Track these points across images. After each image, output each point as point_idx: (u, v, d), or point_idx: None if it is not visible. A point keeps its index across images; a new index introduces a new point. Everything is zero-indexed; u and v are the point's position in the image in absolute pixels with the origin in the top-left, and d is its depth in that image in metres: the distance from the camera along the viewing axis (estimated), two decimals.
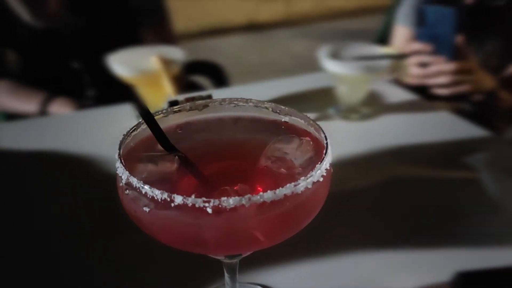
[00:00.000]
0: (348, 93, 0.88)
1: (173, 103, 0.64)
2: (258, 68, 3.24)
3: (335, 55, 0.86)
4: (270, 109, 0.40)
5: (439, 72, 0.92)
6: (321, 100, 0.94)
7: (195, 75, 1.46)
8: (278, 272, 0.49)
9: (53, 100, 1.06)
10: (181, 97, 0.87)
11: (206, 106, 0.41)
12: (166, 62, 0.77)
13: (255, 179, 0.34)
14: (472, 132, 0.82)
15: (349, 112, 0.89)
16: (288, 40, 3.84)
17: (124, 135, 0.34)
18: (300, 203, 0.29)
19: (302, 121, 0.39)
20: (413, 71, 0.96)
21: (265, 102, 0.41)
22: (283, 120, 0.40)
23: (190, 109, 0.40)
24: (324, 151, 0.32)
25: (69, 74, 1.17)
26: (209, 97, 0.97)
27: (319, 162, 0.30)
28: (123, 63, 0.77)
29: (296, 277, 0.48)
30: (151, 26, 1.26)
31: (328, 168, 0.31)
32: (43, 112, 1.05)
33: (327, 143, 0.33)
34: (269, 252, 0.43)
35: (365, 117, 0.88)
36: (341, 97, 0.89)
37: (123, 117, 0.85)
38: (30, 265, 0.51)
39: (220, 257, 0.37)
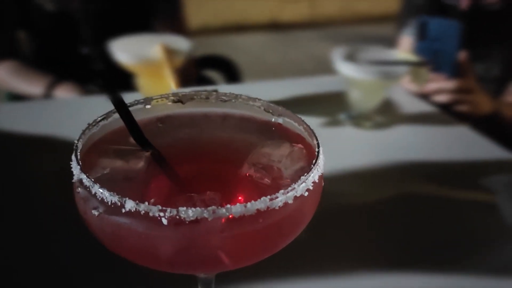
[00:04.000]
0: (362, 99, 0.82)
1: None
2: (277, 68, 3.19)
3: (350, 58, 0.80)
4: (262, 108, 0.36)
5: (438, 89, 0.89)
6: (333, 104, 0.89)
7: (207, 69, 1.43)
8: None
9: (59, 84, 1.04)
10: (186, 91, 0.83)
11: (191, 99, 0.37)
12: (170, 52, 0.73)
13: (235, 187, 0.30)
14: (492, 151, 0.75)
15: (362, 119, 0.83)
16: (311, 42, 3.77)
17: (88, 124, 0.31)
18: (277, 221, 0.24)
19: (296, 124, 0.34)
20: (410, 87, 0.94)
21: (257, 100, 0.36)
22: (275, 121, 0.36)
23: (174, 101, 0.36)
24: (314, 161, 0.27)
25: (79, 59, 1.15)
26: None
27: (305, 174, 0.26)
28: (125, 50, 0.73)
29: None
30: (163, 15, 1.23)
31: (317, 181, 0.27)
32: (47, 96, 1.04)
33: (318, 152, 0.28)
34: (252, 266, 0.39)
35: (378, 126, 0.83)
36: (354, 102, 0.83)
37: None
38: (27, 253, 0.48)
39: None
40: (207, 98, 0.37)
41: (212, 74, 1.45)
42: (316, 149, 0.29)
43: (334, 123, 0.83)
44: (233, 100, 0.36)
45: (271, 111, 0.36)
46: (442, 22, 0.85)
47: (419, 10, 1.15)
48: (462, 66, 0.88)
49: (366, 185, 0.66)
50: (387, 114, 0.86)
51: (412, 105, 0.93)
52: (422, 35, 0.87)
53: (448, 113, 0.89)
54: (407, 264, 0.49)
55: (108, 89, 0.31)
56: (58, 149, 0.70)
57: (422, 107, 0.92)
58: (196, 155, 0.34)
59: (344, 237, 0.53)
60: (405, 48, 1.17)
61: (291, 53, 3.52)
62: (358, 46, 0.84)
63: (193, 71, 1.25)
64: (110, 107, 1.00)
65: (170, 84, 0.74)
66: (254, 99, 0.36)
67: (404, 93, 0.97)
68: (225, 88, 1.02)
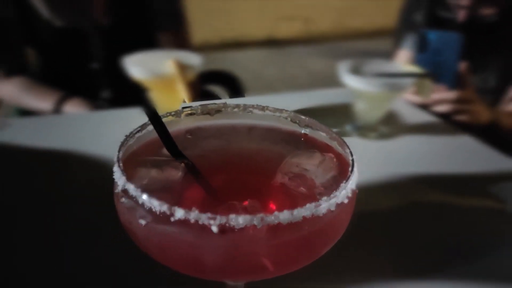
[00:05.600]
0: (367, 111, 0.84)
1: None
2: (275, 83, 3.23)
3: (356, 71, 0.82)
4: (289, 119, 0.37)
5: (440, 100, 0.90)
6: (338, 116, 0.90)
7: (211, 84, 1.45)
8: None
9: (68, 99, 1.05)
10: (195, 104, 0.84)
11: (218, 111, 0.38)
12: (183, 67, 0.74)
13: (268, 196, 0.31)
14: (495, 159, 0.77)
15: (367, 130, 0.84)
16: (306, 57, 3.83)
17: (126, 136, 0.31)
18: (321, 228, 0.25)
19: (324, 134, 0.35)
20: (412, 98, 0.95)
21: (284, 111, 0.37)
22: (302, 131, 0.36)
23: (202, 113, 0.37)
24: (350, 169, 0.28)
25: (87, 74, 1.16)
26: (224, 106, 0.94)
27: (344, 181, 0.26)
28: (139, 65, 0.74)
29: None
30: (168, 31, 1.25)
31: (354, 188, 0.27)
32: (57, 111, 1.04)
33: (353, 160, 0.29)
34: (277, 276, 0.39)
35: (383, 136, 0.84)
36: (359, 114, 0.85)
37: (136, 120, 0.83)
38: (34, 266, 0.48)
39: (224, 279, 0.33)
40: (234, 109, 0.37)
41: (215, 89, 1.46)
42: (351, 157, 0.29)
43: (340, 134, 0.84)
44: (260, 112, 0.37)
45: (297, 121, 0.36)
46: (442, 34, 0.87)
47: (416, 25, 1.18)
48: (462, 77, 0.90)
49: (372, 194, 0.66)
50: (391, 125, 0.87)
51: (414, 116, 0.94)
52: (422, 47, 0.89)
53: (450, 123, 0.91)
54: (415, 271, 0.49)
55: (143, 102, 0.32)
56: (71, 163, 0.70)
57: (424, 117, 0.94)
58: (226, 166, 0.35)
59: (351, 246, 0.53)
60: (402, 61, 1.20)
61: (287, 68, 3.57)
62: (363, 60, 0.85)
63: (197, 86, 1.27)
64: (119, 121, 1.00)
65: (182, 98, 0.75)
66: (281, 110, 0.37)
67: (406, 104, 0.99)
68: (234, 101, 1.03)
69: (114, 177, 0.27)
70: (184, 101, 0.77)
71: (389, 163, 0.74)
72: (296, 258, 0.26)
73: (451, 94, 0.90)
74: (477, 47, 1.06)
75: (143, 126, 0.33)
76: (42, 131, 0.81)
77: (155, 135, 0.32)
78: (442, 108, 0.92)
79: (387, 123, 0.86)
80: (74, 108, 1.03)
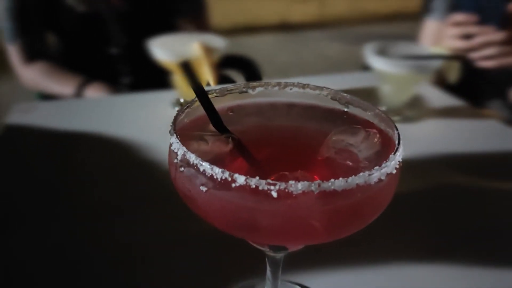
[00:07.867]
0: (393, 93, 0.84)
1: None
2: (289, 68, 3.21)
3: (382, 53, 0.81)
4: (329, 97, 0.38)
5: (485, 43, 0.83)
6: (364, 99, 0.90)
7: (227, 68, 1.45)
8: (319, 274, 0.46)
9: (89, 84, 1.07)
10: (216, 88, 0.85)
11: (259, 88, 0.38)
12: (208, 50, 0.75)
13: (313, 169, 0.32)
14: None
15: (392, 114, 0.84)
16: (321, 41, 3.79)
17: (178, 111, 0.33)
18: (371, 196, 0.26)
19: (365, 111, 0.36)
20: (455, 44, 0.87)
21: (324, 88, 0.38)
22: (342, 108, 0.37)
23: (242, 91, 0.38)
24: (397, 142, 0.29)
25: (107, 59, 1.18)
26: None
27: (393, 153, 0.27)
28: (164, 48, 0.76)
29: (337, 282, 0.45)
30: (189, 15, 1.25)
31: (400, 160, 0.28)
32: (78, 95, 1.06)
33: (398, 134, 0.30)
34: (314, 252, 0.41)
35: (408, 119, 0.84)
36: (385, 97, 0.85)
37: (157, 103, 0.85)
38: (64, 241, 0.50)
39: (265, 249, 0.35)
40: (274, 87, 0.38)
41: (232, 73, 1.46)
42: (396, 131, 0.30)
43: None
44: (300, 90, 0.38)
45: (338, 99, 0.37)
46: None
47: None
48: (509, 17, 0.82)
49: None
50: (416, 109, 0.87)
51: (439, 99, 0.94)
52: None
53: (476, 107, 0.90)
54: (441, 251, 0.50)
55: (192, 80, 0.33)
56: (88, 145, 0.72)
57: (450, 101, 0.93)
58: (268, 141, 0.36)
59: (377, 224, 0.54)
60: (429, 33, 1.14)
61: (301, 53, 3.54)
62: (389, 42, 0.85)
63: (216, 70, 1.27)
64: (140, 105, 1.01)
65: (207, 80, 0.76)
66: (321, 88, 0.38)
67: (431, 87, 0.98)
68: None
69: (172, 148, 0.28)
70: (209, 84, 0.78)
71: (413, 147, 0.74)
72: (346, 224, 0.27)
73: (499, 35, 0.82)
74: None
75: (191, 103, 0.34)
76: (63, 114, 0.83)
77: (201, 111, 0.34)
78: (489, 51, 0.84)
79: (412, 106, 0.86)
80: (95, 93, 1.05)
